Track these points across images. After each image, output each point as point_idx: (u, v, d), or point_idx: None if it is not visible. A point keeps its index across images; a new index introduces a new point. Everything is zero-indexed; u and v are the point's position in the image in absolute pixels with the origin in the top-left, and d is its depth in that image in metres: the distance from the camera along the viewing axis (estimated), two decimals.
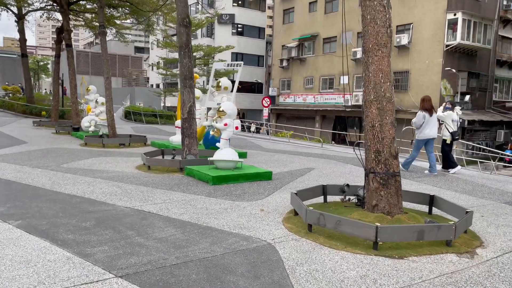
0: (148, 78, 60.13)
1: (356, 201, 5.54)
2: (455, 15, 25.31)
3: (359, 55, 30.33)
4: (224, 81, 11.28)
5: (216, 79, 12.41)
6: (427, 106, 8.97)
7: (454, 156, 22.88)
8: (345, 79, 29.49)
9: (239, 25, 47.62)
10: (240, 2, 47.17)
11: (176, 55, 31.51)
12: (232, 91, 10.93)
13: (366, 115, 4.90)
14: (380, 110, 4.80)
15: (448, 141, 9.59)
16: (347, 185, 5.61)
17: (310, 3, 35.39)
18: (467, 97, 25.75)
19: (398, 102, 27.87)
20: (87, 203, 5.61)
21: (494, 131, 27.38)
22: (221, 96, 11.21)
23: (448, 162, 9.71)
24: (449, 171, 9.59)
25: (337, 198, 5.88)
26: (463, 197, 6.86)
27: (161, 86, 54.45)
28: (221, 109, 7.68)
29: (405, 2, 27.92)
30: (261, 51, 48.93)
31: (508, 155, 25.29)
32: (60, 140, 14.12)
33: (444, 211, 5.17)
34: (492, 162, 14.06)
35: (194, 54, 31.83)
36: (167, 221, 4.83)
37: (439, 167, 9.94)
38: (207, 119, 12.21)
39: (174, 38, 37.59)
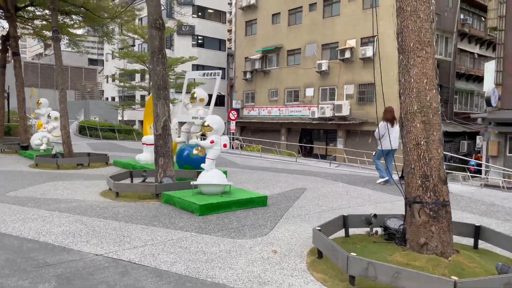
0: (103, 91, 57.49)
1: (384, 233, 4.58)
2: None
3: (324, 67, 30.08)
4: (200, 92, 10.15)
5: (188, 91, 11.23)
6: (389, 117, 8.98)
7: None
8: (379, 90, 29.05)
9: (199, 37, 46.60)
10: (200, 14, 46.20)
11: (135, 66, 29.80)
12: (209, 103, 9.80)
13: (408, 131, 3.94)
14: (426, 124, 3.87)
15: None
16: (374, 215, 4.62)
17: (273, 15, 34.92)
18: None
19: (364, 114, 27.77)
20: (44, 250, 4.26)
21: (457, 141, 27.80)
22: (196, 109, 10.06)
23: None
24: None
25: (357, 229, 4.88)
26: (486, 220, 6.08)
27: (117, 99, 52.08)
28: (206, 124, 6.52)
29: (369, 14, 27.98)
30: (223, 64, 48.00)
31: (473, 165, 25.66)
32: (6, 161, 12.31)
33: (496, 245, 4.28)
34: (483, 176, 13.74)
35: None
36: (157, 276, 3.60)
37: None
38: (179, 135, 10.99)
39: (133, 48, 35.87)
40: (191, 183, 6.56)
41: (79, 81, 49.81)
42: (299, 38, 32.52)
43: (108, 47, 52.86)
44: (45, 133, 13.20)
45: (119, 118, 36.43)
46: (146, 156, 10.82)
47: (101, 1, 17.56)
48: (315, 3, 31.44)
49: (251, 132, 37.02)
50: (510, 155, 21.62)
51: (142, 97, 45.78)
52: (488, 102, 21.29)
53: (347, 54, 28.63)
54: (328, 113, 29.14)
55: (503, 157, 21.54)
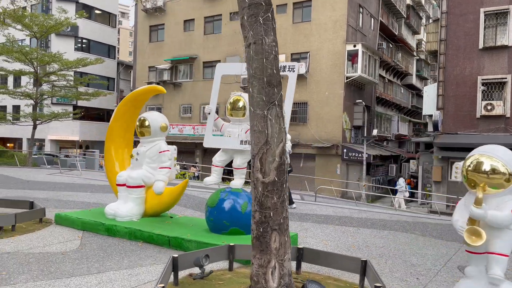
0: None
1: None
2: (355, 46, 24.48)
3: None
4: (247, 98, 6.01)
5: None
6: None
7: (363, 192, 21.13)
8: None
9: (84, 40, 39.78)
10: (85, 13, 39.44)
11: (16, 65, 22.21)
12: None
13: None
14: None
15: None
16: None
17: (185, 21, 30.81)
18: (375, 131, 24.96)
19: (296, 135, 25.42)
20: None
21: (387, 165, 27.41)
22: (241, 127, 5.88)
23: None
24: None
25: None
26: None
27: None
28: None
29: (300, 28, 26.13)
30: (112, 73, 41.64)
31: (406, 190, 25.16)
32: None
33: None
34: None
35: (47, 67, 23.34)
36: None
37: None
38: (178, 168, 6.63)
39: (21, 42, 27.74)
40: None
41: None
42: (218, 49, 29.07)
43: None
44: None
45: None
46: (132, 208, 6.14)
47: None
48: (237, 12, 28.47)
49: None
50: (451, 180, 21.44)
51: (2, 107, 36.57)
52: (436, 127, 20.81)
53: None
54: None
55: (446, 182, 21.23)
